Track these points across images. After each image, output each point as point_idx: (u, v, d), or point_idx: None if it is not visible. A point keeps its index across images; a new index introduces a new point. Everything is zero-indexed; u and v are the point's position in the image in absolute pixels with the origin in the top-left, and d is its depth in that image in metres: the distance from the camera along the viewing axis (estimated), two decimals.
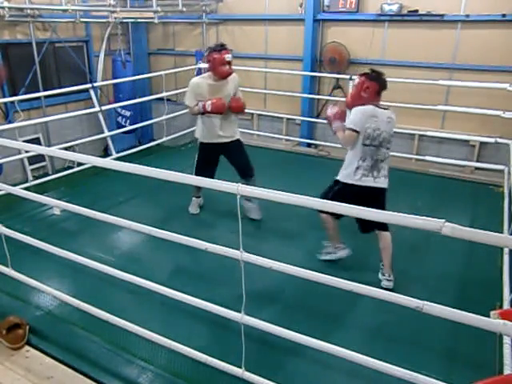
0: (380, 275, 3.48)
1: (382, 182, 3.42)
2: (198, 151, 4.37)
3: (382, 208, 3.30)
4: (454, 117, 6.09)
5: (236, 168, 4.34)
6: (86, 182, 5.52)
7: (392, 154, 6.01)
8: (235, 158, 4.34)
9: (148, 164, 2.30)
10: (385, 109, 3.38)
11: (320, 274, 2.03)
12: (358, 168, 3.37)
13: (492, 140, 5.57)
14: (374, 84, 3.32)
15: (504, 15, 5.47)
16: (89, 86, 5.87)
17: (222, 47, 4.03)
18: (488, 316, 1.70)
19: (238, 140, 4.34)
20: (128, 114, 7.32)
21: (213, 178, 4.20)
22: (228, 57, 3.97)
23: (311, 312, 3.22)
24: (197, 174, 4.16)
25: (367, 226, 3.49)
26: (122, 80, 6.52)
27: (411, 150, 6.37)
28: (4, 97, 6.24)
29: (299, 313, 3.19)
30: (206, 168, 4.21)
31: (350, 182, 3.39)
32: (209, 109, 3.95)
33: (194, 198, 4.69)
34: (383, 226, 3.46)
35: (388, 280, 3.43)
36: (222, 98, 4.02)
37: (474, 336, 2.29)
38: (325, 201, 1.92)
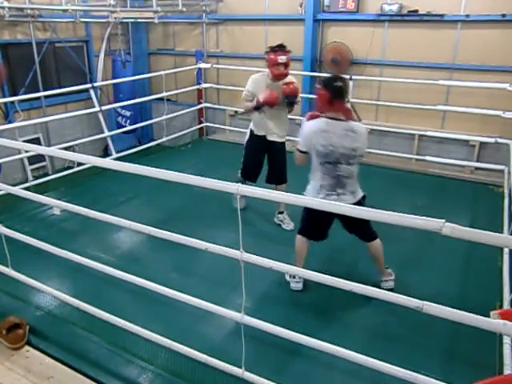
0: (379, 278, 3.45)
1: (346, 199, 3.08)
2: (247, 142, 4.32)
3: (357, 224, 3.03)
4: (453, 117, 6.09)
5: (269, 171, 4.32)
6: (86, 182, 5.52)
7: (392, 154, 6.13)
8: (274, 160, 4.29)
9: (148, 164, 2.30)
10: (345, 121, 3.01)
11: (320, 274, 2.03)
12: (321, 186, 3.10)
13: (492, 140, 5.57)
14: (325, 92, 2.97)
15: (504, 15, 5.47)
16: (89, 85, 5.87)
17: (278, 48, 3.96)
18: (488, 316, 1.71)
19: (283, 143, 4.27)
20: (128, 113, 7.32)
21: (258, 172, 4.31)
22: (282, 58, 3.89)
23: (311, 312, 3.22)
24: (244, 164, 4.27)
25: (351, 230, 3.35)
26: (122, 80, 6.52)
27: (411, 150, 6.38)
28: (4, 97, 6.24)
29: (299, 313, 3.18)
30: (253, 160, 4.27)
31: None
32: (261, 100, 3.91)
33: None
34: (368, 237, 3.32)
35: (386, 281, 3.40)
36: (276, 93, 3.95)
37: (474, 336, 2.28)
38: (323, 201, 1.92)
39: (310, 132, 3.03)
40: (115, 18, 6.54)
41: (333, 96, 2.95)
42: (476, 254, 3.85)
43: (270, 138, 4.20)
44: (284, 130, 4.23)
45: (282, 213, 4.38)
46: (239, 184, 1.96)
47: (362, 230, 3.28)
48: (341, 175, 3.05)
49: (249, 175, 4.35)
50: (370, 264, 3.78)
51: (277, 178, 4.28)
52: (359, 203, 3.07)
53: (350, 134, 2.98)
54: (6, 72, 6.24)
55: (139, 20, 7.28)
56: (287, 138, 7.02)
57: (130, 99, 6.46)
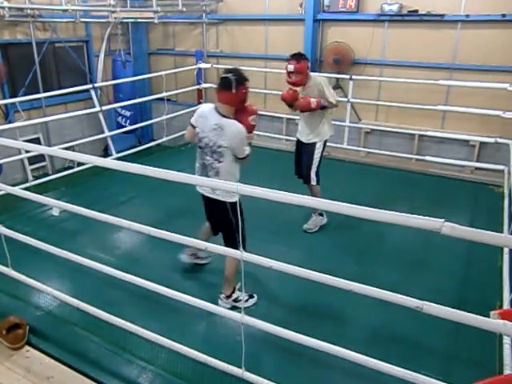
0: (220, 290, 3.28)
1: (206, 191, 3.10)
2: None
3: (219, 223, 3.19)
4: (453, 117, 6.09)
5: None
6: (86, 182, 5.52)
7: (392, 154, 6.13)
8: (299, 159, 4.44)
9: (148, 164, 2.30)
10: (224, 116, 2.95)
11: (320, 274, 2.03)
12: (196, 165, 3.21)
13: (492, 140, 5.57)
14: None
15: (504, 15, 5.47)
16: (89, 86, 5.88)
17: (292, 56, 4.02)
18: (488, 316, 1.71)
19: (310, 144, 4.27)
20: (128, 114, 7.34)
21: (297, 168, 4.48)
22: (289, 67, 4.01)
23: (311, 312, 3.22)
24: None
25: (216, 230, 3.36)
26: (122, 80, 6.52)
27: (411, 150, 6.38)
28: (4, 96, 6.24)
29: (299, 313, 3.19)
30: (295, 156, 4.54)
31: None
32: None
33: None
34: (228, 242, 3.14)
35: (225, 296, 3.20)
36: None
37: (474, 336, 2.29)
38: (324, 200, 1.90)
39: (198, 111, 3.12)
40: (115, 18, 6.55)
41: (218, 87, 2.98)
42: (476, 253, 3.85)
43: (298, 136, 4.43)
44: (311, 131, 4.25)
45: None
46: (238, 183, 1.96)
47: (224, 233, 3.21)
48: (206, 164, 3.08)
49: (295, 170, 4.51)
50: (371, 264, 3.78)
51: (301, 177, 4.40)
52: (221, 204, 3.03)
53: (218, 129, 2.94)
54: (6, 71, 6.24)
55: (139, 20, 7.29)
56: (287, 137, 6.94)
57: (130, 99, 6.47)
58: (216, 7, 7.67)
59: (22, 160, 6.29)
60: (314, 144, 4.24)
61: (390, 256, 3.95)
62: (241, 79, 2.97)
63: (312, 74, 4.20)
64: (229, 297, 3.21)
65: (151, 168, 2.20)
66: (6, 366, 2.70)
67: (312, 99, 4.00)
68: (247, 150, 3.03)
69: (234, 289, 3.22)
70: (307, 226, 4.36)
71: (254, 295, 3.29)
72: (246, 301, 3.21)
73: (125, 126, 7.22)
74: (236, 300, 3.20)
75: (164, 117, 6.60)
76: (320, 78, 4.19)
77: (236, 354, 2.34)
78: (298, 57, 4.00)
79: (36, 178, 6.03)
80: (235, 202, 3.00)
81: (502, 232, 3.89)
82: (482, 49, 5.76)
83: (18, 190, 3.05)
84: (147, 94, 7.83)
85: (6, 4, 5.71)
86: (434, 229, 1.59)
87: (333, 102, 4.08)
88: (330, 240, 4.22)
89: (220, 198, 3.03)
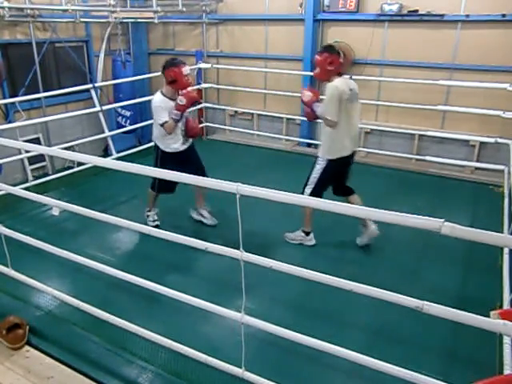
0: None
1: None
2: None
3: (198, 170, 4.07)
4: (453, 117, 6.09)
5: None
6: (86, 182, 5.53)
7: (392, 154, 6.13)
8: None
9: (148, 164, 2.30)
10: (162, 93, 3.93)
11: (320, 274, 2.03)
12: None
13: (492, 140, 5.57)
14: None
15: (504, 15, 5.47)
16: (90, 86, 5.88)
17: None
18: (488, 316, 1.71)
19: (317, 158, 3.88)
20: (128, 113, 7.32)
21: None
22: (314, 59, 3.88)
23: (311, 312, 3.22)
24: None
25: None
26: (122, 80, 6.52)
27: (411, 150, 6.38)
28: (4, 96, 6.24)
29: (299, 313, 3.19)
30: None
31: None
32: None
33: None
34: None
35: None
36: None
37: (473, 336, 2.29)
38: (324, 200, 1.91)
39: None
40: (115, 18, 6.54)
41: None
42: (476, 253, 3.85)
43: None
44: (322, 142, 3.86)
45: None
46: (238, 184, 1.96)
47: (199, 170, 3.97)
48: None
49: None
50: (370, 264, 3.78)
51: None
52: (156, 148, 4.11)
53: None
54: (6, 70, 6.24)
55: (139, 20, 7.28)
56: (287, 137, 6.80)
57: (130, 99, 6.47)
58: (216, 7, 7.67)
59: (22, 160, 6.26)
60: (317, 157, 3.87)
61: (389, 256, 3.95)
62: (166, 64, 3.82)
63: (339, 77, 3.73)
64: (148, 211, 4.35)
65: (151, 168, 2.21)
66: (6, 366, 2.70)
67: (309, 93, 3.73)
68: (162, 120, 3.80)
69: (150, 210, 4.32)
70: (287, 234, 4.17)
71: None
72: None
73: (125, 126, 7.21)
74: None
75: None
76: (331, 85, 3.64)
77: (236, 354, 2.34)
78: (322, 49, 3.81)
79: (36, 177, 6.02)
80: (162, 151, 3.96)
81: (502, 232, 3.89)
82: (482, 49, 5.76)
83: (18, 190, 3.05)
84: (147, 94, 7.81)
85: (6, 4, 5.70)
86: (433, 229, 1.59)
87: (319, 112, 3.67)
88: (330, 240, 4.21)
89: (155, 142, 4.02)
